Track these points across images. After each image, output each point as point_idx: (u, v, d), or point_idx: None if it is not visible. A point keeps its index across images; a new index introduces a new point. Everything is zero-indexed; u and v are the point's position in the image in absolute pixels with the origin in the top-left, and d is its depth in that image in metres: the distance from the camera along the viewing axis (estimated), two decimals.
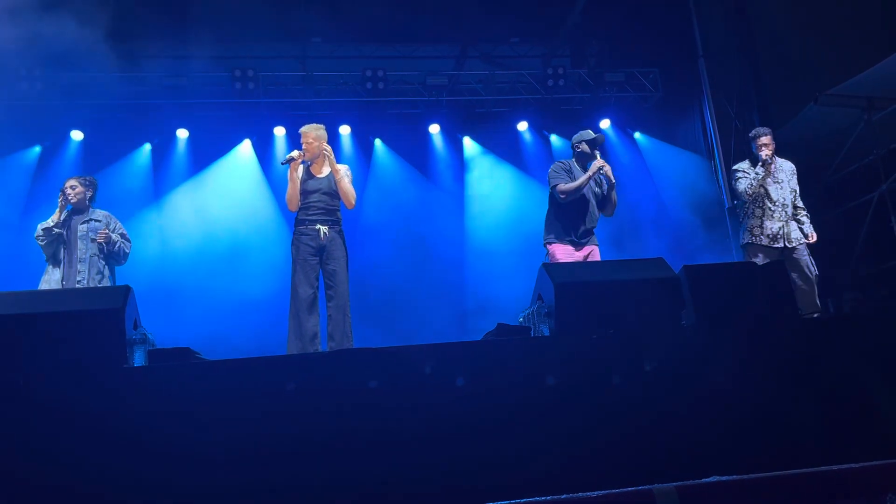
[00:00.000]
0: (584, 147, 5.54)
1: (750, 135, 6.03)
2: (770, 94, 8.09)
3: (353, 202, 5.27)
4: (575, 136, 5.68)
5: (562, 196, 5.39)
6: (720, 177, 8.44)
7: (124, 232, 5.71)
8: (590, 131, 5.66)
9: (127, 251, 5.62)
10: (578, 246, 5.43)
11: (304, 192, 5.18)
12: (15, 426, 2.65)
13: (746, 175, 5.82)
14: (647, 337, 3.25)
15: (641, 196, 9.04)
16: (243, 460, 2.73)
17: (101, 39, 8.48)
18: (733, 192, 5.94)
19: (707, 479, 2.01)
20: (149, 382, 2.86)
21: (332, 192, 5.23)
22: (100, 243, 5.43)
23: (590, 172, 5.39)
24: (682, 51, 9.03)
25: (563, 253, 5.40)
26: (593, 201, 5.54)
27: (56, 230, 5.38)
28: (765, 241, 5.71)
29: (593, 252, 5.50)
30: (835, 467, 2.27)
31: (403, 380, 3.04)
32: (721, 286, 3.52)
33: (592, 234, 5.56)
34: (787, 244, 5.70)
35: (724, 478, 1.98)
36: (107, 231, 5.44)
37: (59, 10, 7.55)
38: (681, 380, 3.13)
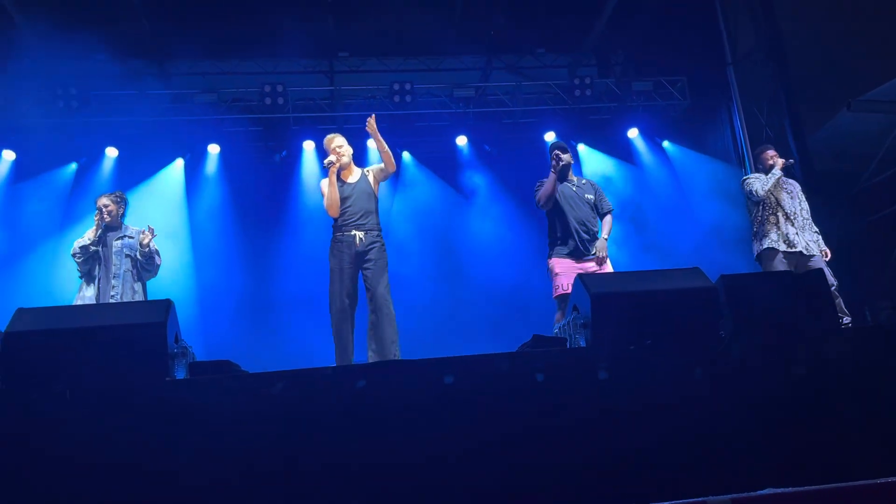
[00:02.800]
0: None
1: (755, 152, 6.12)
2: (801, 101, 7.99)
3: (392, 165, 5.28)
4: None
5: (539, 203, 5.50)
6: None
7: (156, 246, 5.79)
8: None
9: (158, 262, 5.69)
10: (579, 259, 5.36)
11: (340, 200, 5.16)
12: (63, 437, 2.69)
13: (759, 178, 5.89)
14: (685, 348, 3.22)
15: (672, 205, 8.97)
16: (284, 472, 2.75)
17: (134, 57, 8.70)
18: (749, 197, 5.93)
19: (761, 492, 1.98)
20: (190, 395, 2.89)
21: (368, 196, 5.20)
22: (134, 257, 5.51)
23: (552, 173, 5.43)
24: (709, 58, 8.96)
25: (562, 267, 5.34)
26: (584, 209, 5.46)
27: (93, 248, 5.46)
28: (783, 247, 5.69)
29: (598, 267, 5.35)
30: (882, 480, 2.23)
31: (439, 392, 3.05)
32: (760, 296, 3.47)
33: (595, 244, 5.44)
34: (804, 250, 5.68)
35: (778, 490, 1.95)
36: (149, 234, 5.50)
37: (94, 31, 7.74)
38: (723, 391, 3.09)
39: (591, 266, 5.33)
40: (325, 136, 8.70)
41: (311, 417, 2.91)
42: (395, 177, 9.44)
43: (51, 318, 3.04)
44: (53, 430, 2.73)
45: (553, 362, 3.16)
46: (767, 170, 5.90)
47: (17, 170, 8.57)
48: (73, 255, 5.51)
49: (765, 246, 5.76)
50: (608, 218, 5.57)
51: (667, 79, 9.34)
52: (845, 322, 5.38)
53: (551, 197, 5.45)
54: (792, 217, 5.76)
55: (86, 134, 8.64)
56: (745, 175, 6.09)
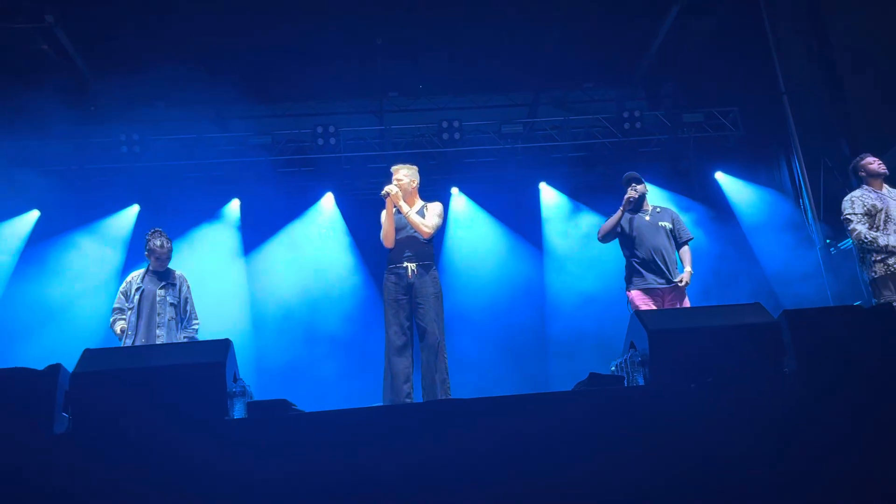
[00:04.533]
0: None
1: (853, 166, 5.55)
2: (860, 128, 7.79)
3: (427, 233, 5.00)
4: None
5: (599, 236, 5.56)
6: (810, 216, 8.12)
7: (191, 301, 5.60)
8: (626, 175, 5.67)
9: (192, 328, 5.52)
10: (657, 292, 5.30)
11: (395, 230, 5.05)
12: (126, 475, 2.74)
13: (859, 198, 5.27)
14: (747, 385, 3.12)
15: (727, 238, 8.78)
16: None
17: (192, 103, 9.04)
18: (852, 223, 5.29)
19: None
20: (249, 434, 2.92)
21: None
22: (177, 305, 5.42)
23: (620, 209, 5.46)
24: (762, 88, 8.84)
25: (643, 300, 5.28)
26: (660, 236, 5.41)
27: (138, 297, 5.36)
28: None
29: (675, 299, 5.30)
30: None
31: (495, 431, 3.01)
32: (825, 331, 3.35)
33: (672, 272, 5.35)
34: None
35: None
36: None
37: (155, 79, 8.09)
38: (785, 431, 2.98)
39: (670, 296, 5.29)
40: (375, 174, 9.00)
41: (366, 457, 2.90)
42: (444, 212, 9.51)
43: (115, 359, 3.13)
44: (117, 468, 2.78)
45: (610, 401, 3.10)
46: (871, 176, 5.32)
47: (80, 213, 8.88)
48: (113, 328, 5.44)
49: (880, 273, 5.16)
50: (687, 249, 5.50)
51: (718, 110, 9.23)
52: None
53: (611, 232, 5.47)
54: None
55: (146, 178, 8.96)
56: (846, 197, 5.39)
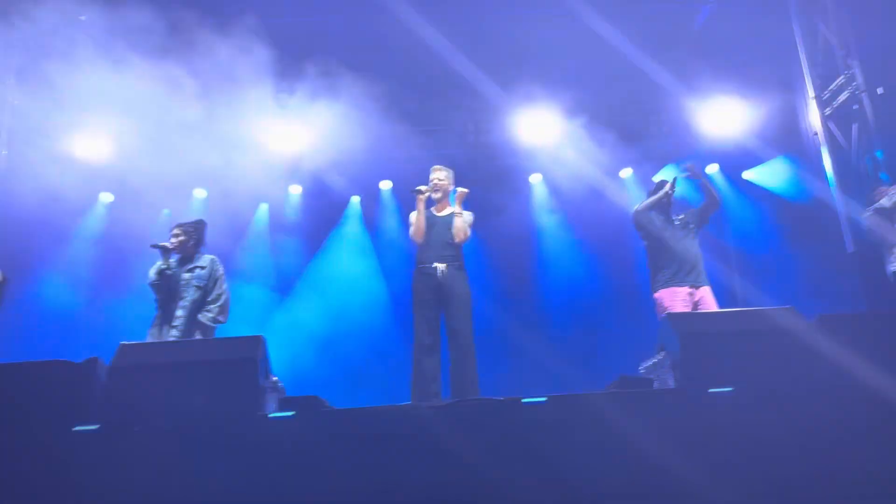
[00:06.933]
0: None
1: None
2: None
3: (462, 239, 5.06)
4: None
5: (639, 208, 5.58)
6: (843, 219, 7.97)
7: (221, 285, 5.32)
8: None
9: (215, 314, 5.19)
10: (686, 291, 5.25)
11: (425, 229, 5.10)
12: (161, 466, 2.80)
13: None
14: (780, 389, 3.10)
15: (759, 241, 8.67)
16: None
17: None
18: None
19: None
20: (280, 430, 2.96)
21: (451, 230, 5.09)
22: (204, 288, 5.21)
23: (661, 191, 5.57)
24: (793, 91, 8.68)
25: (672, 298, 5.23)
26: (689, 241, 5.45)
27: (168, 271, 5.18)
28: None
29: (705, 296, 5.28)
30: None
31: (524, 431, 3.02)
32: (860, 336, 3.32)
33: (701, 273, 5.35)
34: None
35: None
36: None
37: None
38: (819, 437, 2.95)
39: (698, 296, 5.27)
40: (400, 176, 9.02)
41: (395, 454, 2.92)
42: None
43: (150, 353, 3.19)
44: (151, 459, 2.83)
45: (641, 403, 3.09)
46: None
47: (114, 214, 8.97)
48: (151, 285, 5.23)
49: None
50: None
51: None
52: None
53: (651, 209, 5.51)
54: None
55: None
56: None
